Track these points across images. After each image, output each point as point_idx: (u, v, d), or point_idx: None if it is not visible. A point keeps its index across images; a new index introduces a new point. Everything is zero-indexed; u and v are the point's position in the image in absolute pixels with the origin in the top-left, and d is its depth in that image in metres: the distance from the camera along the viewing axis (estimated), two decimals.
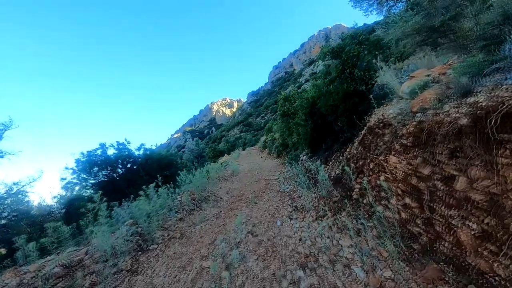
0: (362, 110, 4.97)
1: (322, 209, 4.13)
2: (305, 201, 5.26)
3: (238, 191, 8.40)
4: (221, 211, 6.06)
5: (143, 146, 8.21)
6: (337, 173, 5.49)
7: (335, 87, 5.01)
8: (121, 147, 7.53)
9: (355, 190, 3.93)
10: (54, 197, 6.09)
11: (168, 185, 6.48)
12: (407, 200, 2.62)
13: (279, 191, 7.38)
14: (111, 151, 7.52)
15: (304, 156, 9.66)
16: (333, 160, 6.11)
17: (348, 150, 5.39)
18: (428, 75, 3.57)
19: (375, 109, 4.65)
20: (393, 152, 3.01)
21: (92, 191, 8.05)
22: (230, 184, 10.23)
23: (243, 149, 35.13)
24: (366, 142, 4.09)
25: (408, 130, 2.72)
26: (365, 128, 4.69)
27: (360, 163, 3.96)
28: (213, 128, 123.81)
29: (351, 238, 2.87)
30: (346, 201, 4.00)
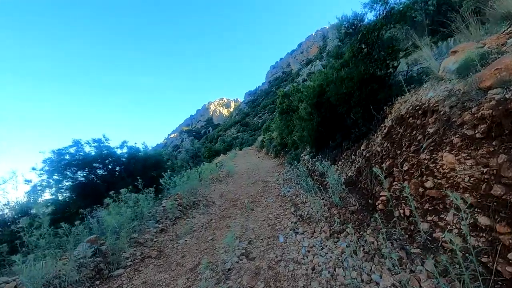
0: (382, 99, 4.09)
1: (337, 221, 3.23)
2: (312, 209, 4.37)
3: (232, 194, 7.48)
4: (211, 220, 5.13)
5: (125, 144, 7.22)
6: (349, 175, 4.60)
7: (349, 71, 4.12)
8: (97, 144, 6.52)
9: (380, 198, 3.03)
10: (5, 205, 5.06)
11: (150, 189, 5.53)
12: (483, 220, 1.72)
13: (279, 195, 6.47)
14: (87, 149, 6.54)
15: (306, 156, 8.77)
16: (343, 160, 5.22)
17: (363, 147, 4.51)
18: (481, 47, 2.69)
19: (401, 96, 3.77)
20: (447, 148, 2.11)
21: (68, 194, 7.07)
22: (224, 186, 9.31)
23: (240, 149, 34.28)
24: (394, 136, 3.21)
25: (479, 115, 1.83)
26: (388, 119, 3.80)
27: (388, 163, 3.06)
28: (210, 128, 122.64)
29: (390, 272, 1.97)
30: (369, 212, 3.11)
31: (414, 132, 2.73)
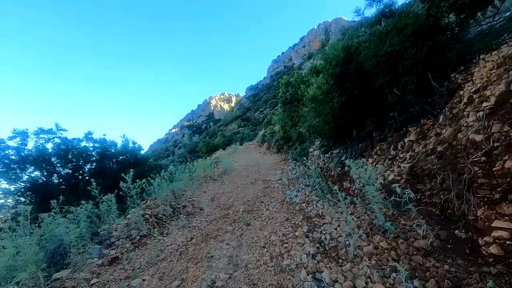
0: (452, 60, 2.56)
1: (394, 266, 1.75)
2: (336, 230, 2.89)
3: (226, 198, 6.02)
4: (191, 239, 3.67)
5: (90, 135, 5.70)
6: (391, 178, 3.10)
7: (400, 19, 2.58)
8: (48, 136, 5.00)
9: (492, 233, 1.53)
10: None
11: (110, 195, 4.09)
12: None
13: (283, 200, 5.01)
14: (31, 144, 5.07)
15: (317, 151, 7.25)
16: (375, 156, 3.71)
17: (412, 137, 3.00)
18: None
19: (489, 54, 2.24)
20: None
21: (23, 198, 5.64)
22: (218, 187, 7.87)
23: (241, 144, 32.90)
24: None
25: None
26: (466, 90, 2.27)
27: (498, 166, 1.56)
28: (211, 123, 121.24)
29: None
30: (461, 256, 1.63)
31: None
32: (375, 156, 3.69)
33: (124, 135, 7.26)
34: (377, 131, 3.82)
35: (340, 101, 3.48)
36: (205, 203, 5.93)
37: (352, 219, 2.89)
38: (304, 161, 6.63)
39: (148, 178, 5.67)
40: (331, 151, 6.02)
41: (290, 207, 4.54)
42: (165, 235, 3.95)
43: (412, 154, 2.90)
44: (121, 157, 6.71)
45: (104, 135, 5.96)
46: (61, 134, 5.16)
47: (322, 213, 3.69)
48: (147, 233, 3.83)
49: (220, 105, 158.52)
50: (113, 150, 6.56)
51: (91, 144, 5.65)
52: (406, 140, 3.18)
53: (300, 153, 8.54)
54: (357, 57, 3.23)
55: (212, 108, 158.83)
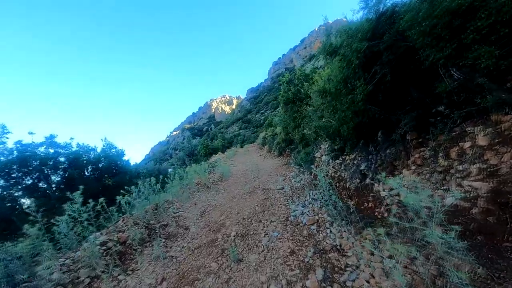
0: None
1: None
2: (369, 282, 1.90)
3: (218, 214, 5.04)
4: (161, 282, 2.68)
5: (52, 140, 4.70)
6: (453, 203, 2.10)
7: None
8: None
9: None
10: None
11: (60, 218, 3.11)
12: None
13: (287, 219, 4.01)
14: None
15: (325, 156, 6.24)
16: (414, 167, 2.71)
17: (482, 141, 2.00)
18: None
19: None
20: None
21: None
22: (212, 197, 6.90)
23: (241, 147, 32.00)
24: None
25: None
26: None
27: None
28: (212, 126, 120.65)
29: None
30: None
31: None
32: (412, 167, 2.69)
33: (105, 138, 6.29)
34: (411, 133, 2.82)
35: (366, 91, 2.50)
36: (193, 219, 4.94)
37: (395, 266, 1.87)
38: (312, 169, 5.63)
39: (128, 189, 4.69)
40: (343, 157, 5.01)
41: (296, 230, 3.54)
42: (129, 272, 2.96)
43: (484, 167, 1.90)
44: (101, 165, 5.72)
45: (72, 138, 4.98)
46: (7, 138, 4.19)
47: (341, 245, 2.68)
48: (103, 271, 2.83)
49: (221, 107, 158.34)
50: (88, 157, 5.58)
51: (51, 150, 4.66)
52: (465, 145, 2.18)
53: (304, 158, 7.53)
54: (392, 26, 2.26)
55: (213, 110, 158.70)
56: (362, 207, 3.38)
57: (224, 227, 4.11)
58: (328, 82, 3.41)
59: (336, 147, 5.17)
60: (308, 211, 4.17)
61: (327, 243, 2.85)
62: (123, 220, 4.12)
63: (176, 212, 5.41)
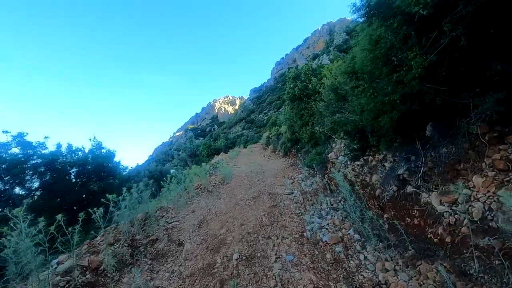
0: None
1: None
2: None
3: (218, 225, 4.29)
4: None
5: (21, 139, 3.99)
6: None
7: None
8: None
9: None
10: None
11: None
12: None
13: (302, 235, 3.24)
14: None
15: (341, 156, 5.44)
16: (492, 173, 1.93)
17: None
18: None
19: None
20: None
21: None
22: (212, 203, 6.16)
23: (245, 147, 31.26)
24: None
25: None
26: None
27: None
28: (215, 126, 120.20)
29: None
30: None
31: None
32: (489, 173, 1.89)
33: (94, 138, 5.59)
34: (482, 126, 2.02)
35: (425, 63, 1.69)
36: (188, 232, 4.20)
37: None
38: (326, 172, 4.86)
39: (110, 198, 3.96)
40: (365, 158, 4.23)
41: (316, 251, 2.77)
42: None
43: None
44: (89, 167, 5.01)
45: (46, 137, 4.27)
46: None
47: (386, 283, 1.90)
48: None
49: (224, 108, 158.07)
50: (72, 158, 4.87)
51: (16, 150, 3.93)
52: None
53: (315, 159, 6.74)
54: None
55: (216, 110, 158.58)
56: (403, 223, 2.58)
57: (225, 246, 3.35)
58: (353, 62, 2.61)
59: (356, 146, 4.38)
60: (328, 224, 3.40)
61: (364, 277, 2.07)
62: (102, 236, 3.39)
63: (170, 223, 4.68)
